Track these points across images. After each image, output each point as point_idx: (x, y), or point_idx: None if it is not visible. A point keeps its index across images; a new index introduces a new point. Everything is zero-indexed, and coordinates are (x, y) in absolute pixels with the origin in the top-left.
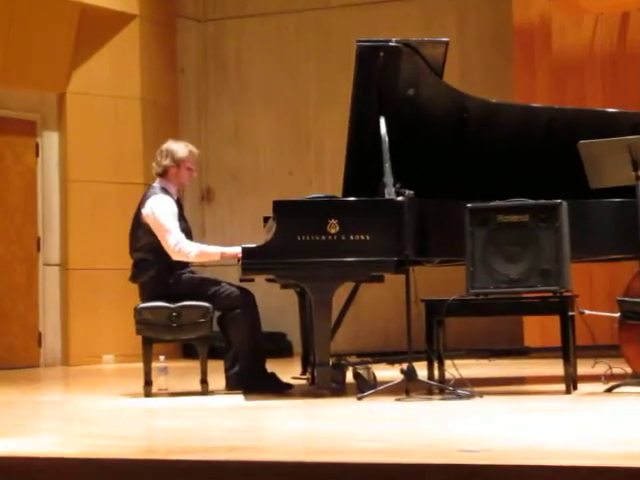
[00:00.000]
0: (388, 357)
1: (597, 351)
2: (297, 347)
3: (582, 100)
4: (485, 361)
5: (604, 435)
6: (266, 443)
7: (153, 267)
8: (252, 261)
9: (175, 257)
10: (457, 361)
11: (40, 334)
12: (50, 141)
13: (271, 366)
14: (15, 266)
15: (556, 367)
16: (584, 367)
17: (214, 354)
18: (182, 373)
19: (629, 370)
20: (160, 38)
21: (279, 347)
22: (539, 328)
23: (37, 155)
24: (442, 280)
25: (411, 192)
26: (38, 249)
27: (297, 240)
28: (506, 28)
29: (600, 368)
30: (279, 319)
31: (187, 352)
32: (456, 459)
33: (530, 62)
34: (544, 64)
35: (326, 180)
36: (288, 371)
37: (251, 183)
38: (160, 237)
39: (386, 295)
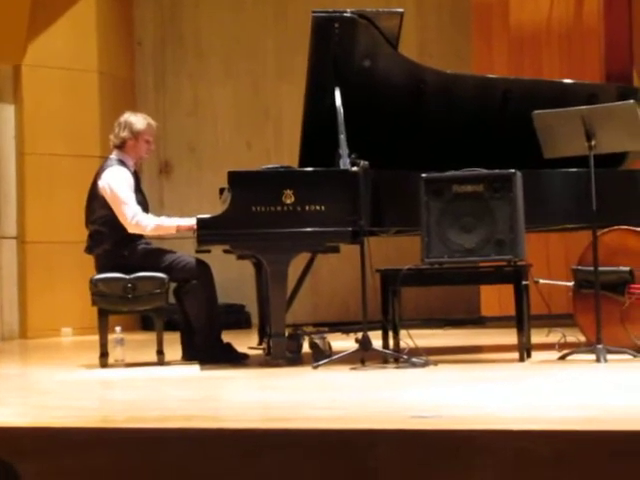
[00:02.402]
0: (344, 327)
1: (552, 320)
2: (256, 319)
3: (539, 74)
4: (441, 331)
5: (554, 400)
6: (222, 412)
7: (108, 239)
8: (207, 232)
9: (132, 230)
10: (414, 331)
11: None
12: (6, 114)
13: (229, 337)
14: None
15: (512, 336)
16: (539, 336)
17: (171, 326)
18: (139, 345)
19: (583, 339)
20: (117, 10)
21: (238, 319)
22: (496, 298)
23: None
24: (399, 251)
25: (366, 162)
26: None
27: (252, 211)
28: (464, 1)
29: (555, 337)
30: (238, 291)
31: (145, 325)
32: (407, 425)
33: (488, 35)
34: (502, 38)
35: (284, 152)
36: (246, 342)
37: (210, 156)
38: (116, 210)
39: (345, 267)
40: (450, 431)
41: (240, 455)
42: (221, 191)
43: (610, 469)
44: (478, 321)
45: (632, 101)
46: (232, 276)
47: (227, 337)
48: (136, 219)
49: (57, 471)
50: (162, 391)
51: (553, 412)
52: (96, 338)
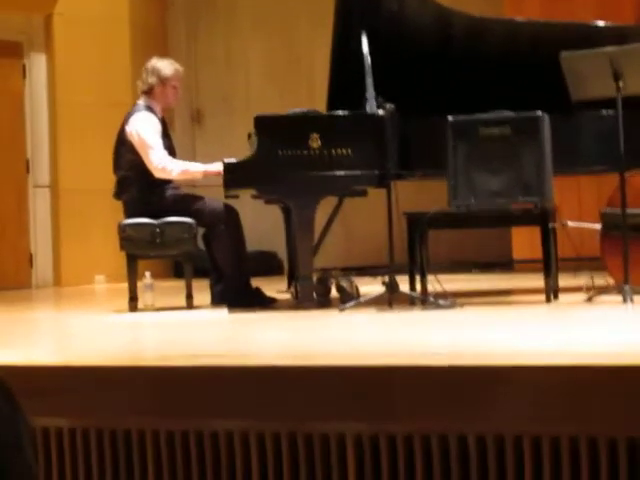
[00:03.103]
0: (372, 270)
1: (582, 263)
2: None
3: (572, 18)
4: (470, 275)
5: (574, 337)
6: (247, 350)
7: (136, 184)
8: (234, 176)
9: (158, 175)
10: (443, 275)
11: (31, 255)
12: (37, 63)
13: (261, 284)
14: (4, 188)
15: (541, 280)
16: (569, 279)
17: (202, 273)
18: (170, 291)
19: (612, 281)
20: None
21: (270, 266)
22: (527, 241)
23: (24, 77)
24: (430, 195)
25: (392, 106)
26: (27, 171)
27: (278, 154)
28: None
29: (583, 279)
30: (271, 239)
31: (177, 272)
32: (423, 360)
33: None
34: None
35: (317, 101)
36: (277, 288)
37: (241, 105)
38: (143, 154)
39: (378, 211)
40: (464, 367)
41: (265, 391)
42: (249, 136)
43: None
44: (507, 264)
45: None
46: (265, 224)
47: (258, 283)
48: (162, 164)
49: (89, 409)
50: (190, 332)
51: (573, 348)
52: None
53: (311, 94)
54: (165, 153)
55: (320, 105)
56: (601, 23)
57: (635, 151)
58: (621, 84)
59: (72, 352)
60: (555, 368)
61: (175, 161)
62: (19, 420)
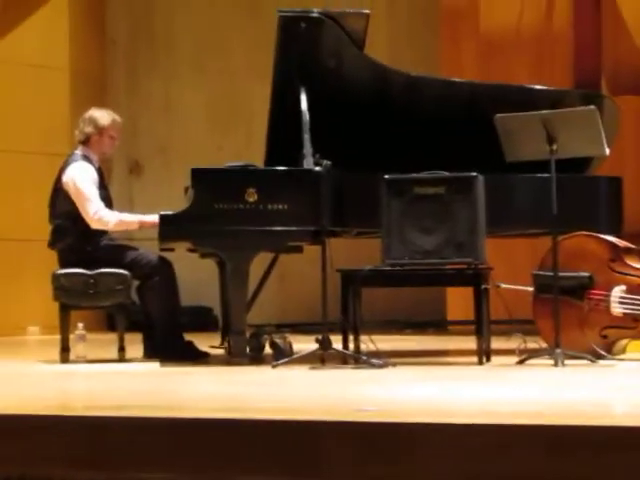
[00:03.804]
0: (305, 327)
1: (515, 325)
2: None
3: (508, 79)
4: (403, 335)
5: (502, 396)
6: (177, 403)
7: (71, 233)
8: (169, 228)
9: (94, 226)
10: (377, 334)
11: None
12: None
13: (196, 339)
14: None
15: (474, 341)
16: (502, 341)
17: (137, 327)
18: (103, 344)
19: (544, 344)
20: (89, 9)
21: (205, 321)
22: (461, 301)
23: None
24: (365, 253)
25: (329, 162)
26: None
27: (214, 207)
28: (434, 5)
29: (516, 342)
30: (206, 293)
31: (110, 325)
32: (351, 417)
33: (457, 40)
34: (471, 42)
35: (256, 153)
36: (211, 343)
37: (180, 156)
38: (79, 205)
39: (313, 268)
40: (390, 424)
41: (193, 443)
42: (186, 190)
43: (548, 463)
44: (441, 324)
45: (593, 106)
46: (201, 278)
47: (193, 338)
48: (99, 214)
49: (13, 459)
50: (121, 383)
51: (498, 407)
52: None
53: (250, 145)
54: (102, 204)
55: (259, 157)
56: (537, 86)
57: (568, 214)
58: (555, 147)
59: None
60: (476, 427)
61: (111, 212)
62: None
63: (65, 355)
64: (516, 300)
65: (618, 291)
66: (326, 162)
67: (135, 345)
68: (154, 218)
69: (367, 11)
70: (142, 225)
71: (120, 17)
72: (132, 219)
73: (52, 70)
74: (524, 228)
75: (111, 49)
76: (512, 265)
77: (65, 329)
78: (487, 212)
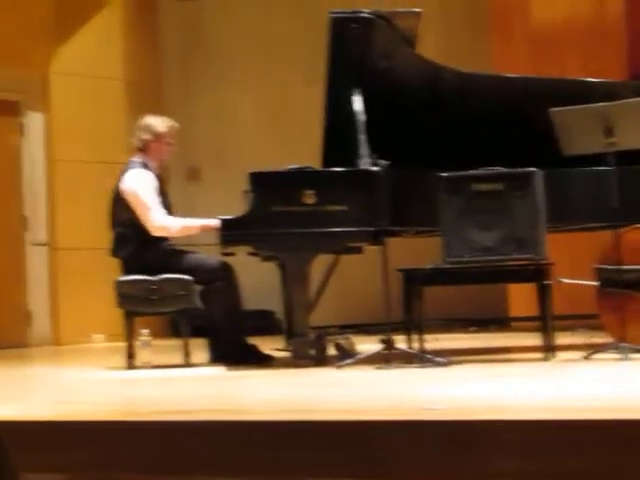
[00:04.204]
0: (369, 328)
1: (579, 320)
2: None
3: (561, 73)
4: (467, 331)
5: (571, 393)
6: (245, 407)
7: (132, 241)
8: (229, 232)
9: (156, 233)
10: (440, 332)
11: (29, 314)
12: (34, 121)
13: (258, 342)
14: (1, 246)
15: (538, 337)
16: (566, 336)
17: (201, 332)
18: (168, 349)
19: (609, 339)
20: (142, 18)
21: (268, 324)
22: (524, 298)
23: (22, 135)
24: (424, 252)
25: (386, 162)
26: (24, 229)
27: (273, 211)
28: (485, 1)
29: (580, 337)
30: (269, 297)
31: (175, 330)
32: (419, 415)
33: (508, 35)
34: (522, 37)
35: (312, 156)
36: (274, 346)
37: (237, 160)
38: (140, 213)
39: (374, 268)
40: (459, 421)
41: (260, 446)
42: (245, 193)
43: (619, 457)
44: (504, 321)
45: None
46: (264, 282)
47: (256, 342)
48: (161, 222)
49: (83, 464)
50: (186, 388)
51: (567, 403)
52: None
53: (305, 149)
54: (162, 211)
55: (315, 159)
56: (590, 79)
57: (629, 206)
58: (613, 139)
59: (67, 407)
60: (547, 423)
61: (173, 218)
62: (3, 461)
63: (131, 361)
64: (578, 295)
65: None
66: (383, 162)
67: (200, 350)
68: (215, 222)
69: (418, 10)
70: (204, 228)
71: (172, 25)
72: (194, 224)
73: (107, 80)
74: (584, 222)
75: (164, 57)
76: (573, 260)
77: (130, 336)
78: (546, 207)
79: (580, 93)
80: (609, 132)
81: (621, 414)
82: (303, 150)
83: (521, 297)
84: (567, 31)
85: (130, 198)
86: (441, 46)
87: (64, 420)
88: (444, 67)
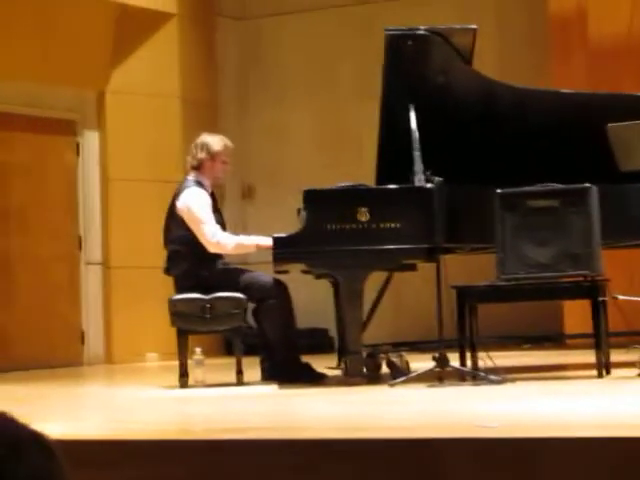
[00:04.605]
0: (422, 345)
1: (634, 337)
2: None
3: (619, 89)
4: (521, 348)
5: (626, 410)
6: (299, 424)
7: (186, 259)
8: (283, 250)
9: (212, 249)
10: (494, 350)
11: (83, 333)
12: (90, 140)
13: (312, 361)
14: (56, 265)
15: (593, 354)
16: (621, 353)
17: (253, 351)
18: (221, 368)
19: None
20: (199, 36)
21: (321, 342)
22: (579, 314)
23: (78, 154)
24: (479, 269)
25: (440, 179)
26: (79, 248)
27: (327, 229)
28: (543, 17)
29: (635, 354)
30: (322, 315)
31: (227, 349)
32: (473, 433)
33: (567, 50)
34: (581, 54)
35: (366, 174)
36: (327, 364)
37: (292, 179)
38: (196, 230)
39: (428, 285)
40: (514, 439)
41: (315, 463)
42: (299, 211)
43: None
44: (558, 338)
45: None
46: (316, 300)
47: (309, 360)
48: (217, 238)
49: None
50: (241, 406)
51: (624, 420)
52: None
53: (360, 166)
54: (218, 227)
55: (369, 178)
56: None
57: None
58: None
59: (121, 426)
60: (605, 440)
61: (229, 235)
62: (58, 478)
63: (184, 380)
64: (635, 312)
65: None
66: (437, 179)
67: (253, 368)
68: (269, 240)
69: (474, 26)
70: (259, 247)
71: (229, 43)
72: (249, 242)
73: (164, 98)
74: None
75: (221, 75)
76: (630, 276)
77: (183, 354)
78: (602, 223)
79: (637, 108)
80: None
81: None
82: (358, 168)
83: (576, 314)
84: (625, 47)
85: (185, 214)
86: (499, 62)
87: (117, 439)
88: (500, 83)
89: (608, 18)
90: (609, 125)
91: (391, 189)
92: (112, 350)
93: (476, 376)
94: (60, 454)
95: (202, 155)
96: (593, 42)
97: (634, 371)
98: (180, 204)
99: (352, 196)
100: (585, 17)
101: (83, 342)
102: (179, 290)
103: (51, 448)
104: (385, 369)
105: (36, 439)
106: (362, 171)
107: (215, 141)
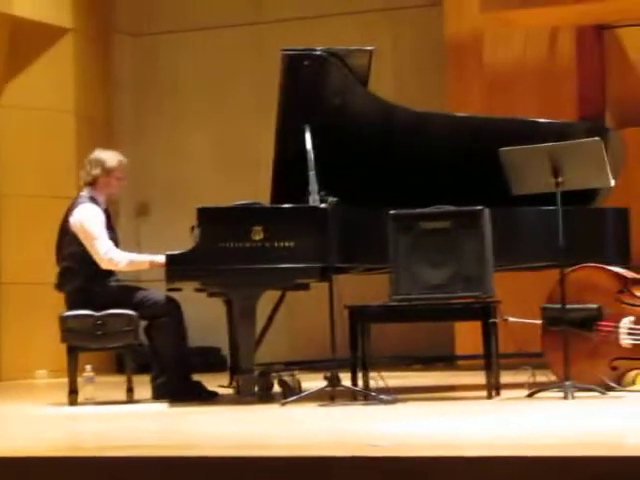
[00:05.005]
0: (314, 364)
1: (524, 359)
2: None
3: (514, 114)
4: (413, 368)
5: (513, 430)
6: (189, 442)
7: (78, 275)
8: (176, 267)
9: (104, 266)
10: (386, 370)
11: None
12: None
13: (204, 379)
14: None
15: (483, 375)
16: (511, 375)
17: (144, 368)
18: (112, 386)
19: (553, 377)
20: (95, 52)
21: (213, 361)
22: (470, 336)
23: None
24: (372, 289)
25: (335, 199)
26: None
27: (220, 246)
28: (439, 41)
29: (525, 375)
30: (214, 334)
31: (119, 367)
32: (363, 451)
33: (462, 75)
34: (476, 78)
35: (262, 194)
36: (219, 383)
37: (187, 197)
38: (89, 246)
39: (322, 305)
40: (403, 458)
41: None
42: (192, 229)
43: None
44: (449, 359)
45: (597, 138)
46: (209, 318)
47: (201, 379)
48: (109, 254)
49: None
50: (132, 423)
51: (509, 440)
52: None
53: (256, 186)
54: (111, 244)
55: (266, 197)
56: (541, 120)
57: (575, 246)
58: (560, 179)
59: (6, 443)
60: (493, 459)
61: (122, 252)
62: None
63: (73, 397)
64: (525, 333)
65: (627, 322)
66: (332, 199)
67: (144, 386)
68: (162, 258)
69: (370, 47)
70: (152, 264)
71: (126, 60)
72: (142, 259)
73: (58, 113)
74: (532, 261)
75: (117, 92)
76: (520, 299)
77: (73, 371)
78: (494, 245)
79: (531, 133)
80: (556, 172)
81: (563, 451)
82: (255, 188)
83: (468, 335)
84: (520, 72)
85: (78, 230)
86: (395, 84)
87: (6, 457)
88: (396, 105)
89: (503, 43)
90: (501, 149)
91: (286, 208)
92: (1, 366)
93: (367, 396)
94: None
95: (96, 171)
96: (488, 66)
97: (523, 392)
98: (73, 220)
99: (246, 214)
100: (481, 41)
101: None
102: (71, 307)
103: None
104: (277, 388)
105: None
106: (259, 192)
107: (109, 157)
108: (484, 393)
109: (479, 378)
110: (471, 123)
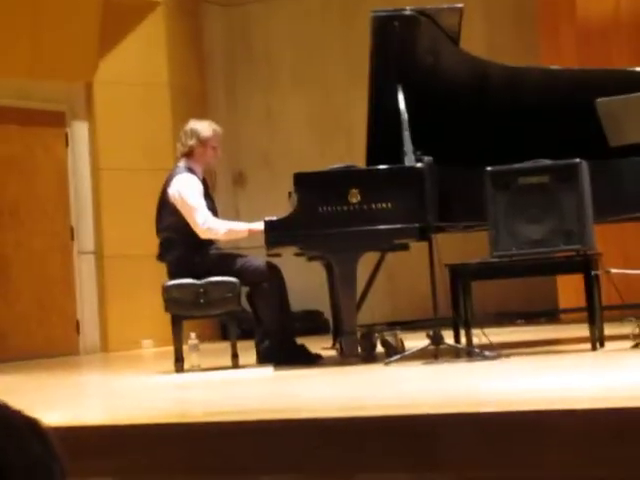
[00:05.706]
0: (416, 324)
1: (628, 310)
2: None
3: (608, 65)
4: (516, 324)
5: (620, 383)
6: (296, 405)
7: (179, 245)
8: (275, 234)
9: (203, 235)
10: (489, 327)
11: (78, 322)
12: (79, 131)
13: (307, 343)
14: (50, 256)
15: (586, 328)
16: (615, 327)
17: (248, 334)
18: (216, 353)
19: None
20: (185, 24)
21: (316, 324)
22: (573, 289)
23: (67, 145)
24: (473, 247)
25: (430, 158)
26: (72, 238)
27: (318, 211)
28: None
29: (629, 327)
30: (316, 297)
31: (223, 333)
32: (472, 408)
33: (555, 29)
34: (569, 31)
35: (357, 159)
36: (322, 345)
37: (283, 165)
38: (187, 216)
39: (423, 265)
40: (510, 413)
41: (315, 443)
42: (290, 195)
43: None
44: (553, 313)
45: None
46: (310, 282)
47: (305, 342)
48: (208, 224)
49: (136, 468)
50: (236, 389)
51: (618, 392)
52: None
53: (351, 151)
54: (209, 214)
55: (360, 159)
56: (638, 68)
57: None
58: None
59: (118, 412)
60: (601, 411)
61: (220, 221)
62: (54, 465)
63: (179, 365)
64: (628, 285)
65: None
66: (427, 158)
67: (248, 351)
68: (261, 225)
69: (460, 5)
70: (251, 232)
71: (216, 31)
72: (240, 227)
73: (152, 87)
74: (632, 212)
75: (209, 62)
76: (623, 250)
77: (178, 340)
78: (594, 198)
79: (628, 83)
80: None
81: None
82: (349, 152)
83: (570, 289)
84: (613, 23)
85: (176, 201)
86: (486, 41)
87: (117, 424)
88: (489, 62)
89: None
90: (597, 100)
91: (381, 170)
92: (108, 338)
93: (471, 352)
94: (55, 441)
95: (192, 142)
96: (581, 18)
97: (628, 343)
98: (171, 191)
99: (343, 178)
100: None
101: (79, 331)
102: (172, 276)
103: (46, 435)
104: (380, 348)
105: (31, 426)
106: (354, 156)
107: (204, 127)
108: (588, 346)
109: (583, 331)
110: (566, 76)
